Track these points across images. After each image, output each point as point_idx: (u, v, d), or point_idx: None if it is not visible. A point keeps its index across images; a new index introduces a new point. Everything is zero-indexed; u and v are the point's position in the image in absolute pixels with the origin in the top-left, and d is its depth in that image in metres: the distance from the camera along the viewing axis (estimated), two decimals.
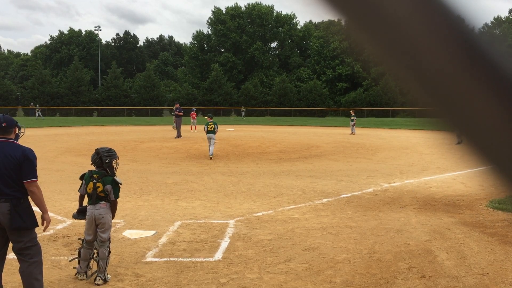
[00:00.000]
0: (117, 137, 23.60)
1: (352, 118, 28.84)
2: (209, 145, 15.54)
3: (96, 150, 4.87)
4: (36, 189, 4.02)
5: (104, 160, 4.73)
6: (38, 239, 4.19)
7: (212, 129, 15.63)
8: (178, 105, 25.20)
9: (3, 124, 4.03)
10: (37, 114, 47.04)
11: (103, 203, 4.68)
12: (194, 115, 32.01)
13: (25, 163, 3.98)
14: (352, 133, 28.03)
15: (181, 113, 23.82)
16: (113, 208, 4.78)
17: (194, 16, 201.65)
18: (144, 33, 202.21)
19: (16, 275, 4.22)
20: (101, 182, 4.66)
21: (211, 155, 15.20)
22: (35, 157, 4.10)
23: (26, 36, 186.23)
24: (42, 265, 4.14)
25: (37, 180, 4.05)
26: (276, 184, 10.28)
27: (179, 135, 23.19)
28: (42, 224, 4.16)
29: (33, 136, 21.83)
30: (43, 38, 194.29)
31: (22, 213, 3.95)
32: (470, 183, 10.47)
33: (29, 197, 4.08)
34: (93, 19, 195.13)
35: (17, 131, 4.28)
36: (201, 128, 33.24)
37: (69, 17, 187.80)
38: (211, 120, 15.83)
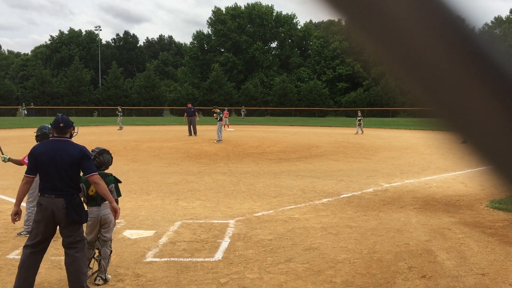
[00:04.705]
0: (117, 137, 23.61)
1: (359, 118, 28.92)
2: (220, 132, 21.12)
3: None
4: (99, 180, 4.34)
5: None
6: None
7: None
8: (190, 104, 26.14)
9: (61, 125, 4.34)
10: (23, 113, 47.97)
11: (107, 203, 4.70)
12: (227, 114, 33.97)
13: (83, 160, 4.26)
14: (356, 133, 28.17)
15: (196, 113, 25.42)
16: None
17: (189, 15, 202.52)
18: (140, 33, 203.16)
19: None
20: (104, 182, 4.68)
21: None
22: (90, 153, 4.44)
23: (22, 36, 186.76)
24: (85, 258, 4.39)
25: (97, 173, 4.36)
26: (276, 184, 10.28)
27: (195, 133, 24.86)
28: (113, 214, 4.53)
29: (33, 136, 21.81)
30: (39, 38, 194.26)
31: (77, 208, 4.22)
32: (471, 183, 10.47)
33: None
34: (87, 18, 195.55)
35: (72, 131, 4.57)
36: (232, 126, 34.09)
37: (63, 16, 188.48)
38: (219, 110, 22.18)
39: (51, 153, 4.20)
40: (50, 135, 4.54)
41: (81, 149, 4.30)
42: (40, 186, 4.24)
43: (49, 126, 6.69)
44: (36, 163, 4.23)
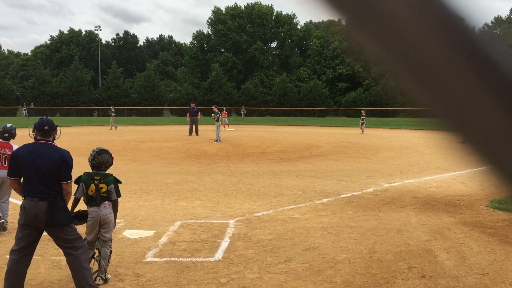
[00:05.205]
0: (117, 137, 23.61)
1: (362, 117, 28.97)
2: (219, 132, 20.89)
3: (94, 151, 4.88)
4: (71, 190, 4.30)
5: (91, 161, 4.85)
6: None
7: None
8: (194, 104, 26.44)
9: (46, 127, 4.29)
10: (24, 113, 48.27)
11: (107, 203, 4.70)
12: (225, 114, 34.43)
13: (63, 165, 4.20)
14: (362, 133, 28.29)
15: (198, 112, 25.72)
16: (115, 208, 4.82)
17: (189, 15, 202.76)
18: (140, 33, 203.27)
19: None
20: (104, 183, 4.68)
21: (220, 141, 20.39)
22: (72, 160, 4.33)
23: (21, 36, 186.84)
24: (88, 255, 4.40)
25: (72, 181, 4.31)
26: (276, 184, 10.28)
27: (197, 133, 25.05)
28: None
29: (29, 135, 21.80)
30: (39, 38, 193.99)
31: (58, 211, 4.17)
32: (470, 183, 10.47)
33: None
34: (86, 18, 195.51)
35: (55, 134, 4.52)
36: (232, 126, 34.21)
37: (62, 16, 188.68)
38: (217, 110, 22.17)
39: (32, 156, 4.15)
40: (33, 137, 4.44)
41: (62, 154, 4.22)
42: (23, 189, 4.20)
43: (8, 126, 6.73)
44: (18, 165, 4.18)
